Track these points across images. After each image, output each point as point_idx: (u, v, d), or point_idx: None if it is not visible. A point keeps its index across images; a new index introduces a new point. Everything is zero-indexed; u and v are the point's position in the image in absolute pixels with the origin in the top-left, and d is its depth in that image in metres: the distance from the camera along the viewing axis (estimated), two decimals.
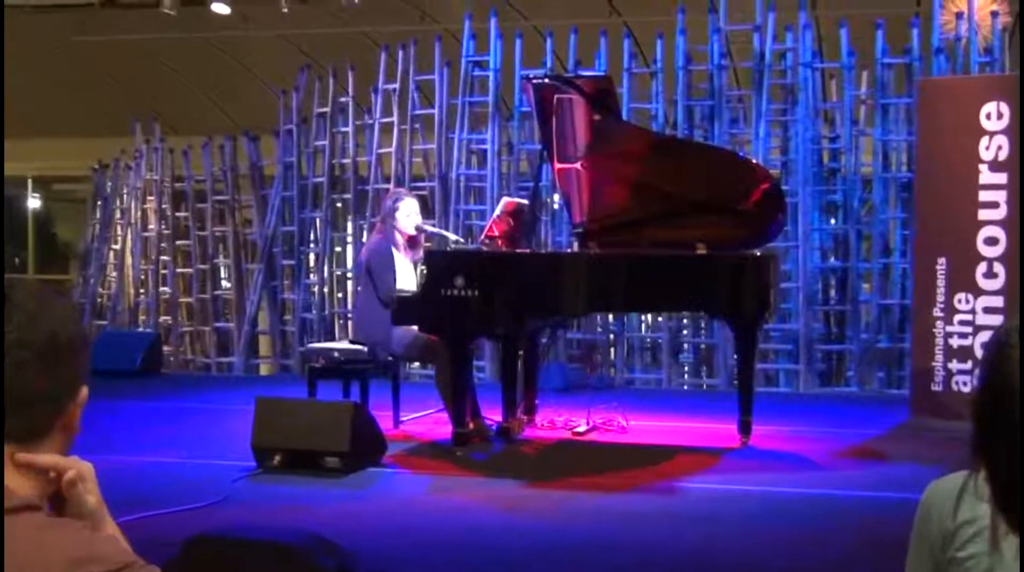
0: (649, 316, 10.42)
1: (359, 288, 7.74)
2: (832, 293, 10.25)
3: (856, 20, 10.06)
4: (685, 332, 10.33)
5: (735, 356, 7.07)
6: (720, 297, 6.83)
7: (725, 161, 7.84)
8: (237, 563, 4.13)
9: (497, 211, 7.52)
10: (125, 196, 12.09)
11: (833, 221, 10.21)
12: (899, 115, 9.92)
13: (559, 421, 7.59)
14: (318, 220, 11.24)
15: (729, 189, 7.08)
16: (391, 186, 10.02)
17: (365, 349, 7.11)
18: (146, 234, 11.90)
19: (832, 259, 10.24)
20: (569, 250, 7.56)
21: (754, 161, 8.32)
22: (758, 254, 6.93)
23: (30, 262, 16.11)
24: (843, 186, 10.05)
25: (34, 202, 16.41)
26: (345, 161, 11.17)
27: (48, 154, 14.11)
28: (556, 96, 7.21)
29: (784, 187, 8.72)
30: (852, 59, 9.99)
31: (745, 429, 6.83)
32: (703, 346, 10.28)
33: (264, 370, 11.19)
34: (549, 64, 10.44)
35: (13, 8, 12.68)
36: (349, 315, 10.43)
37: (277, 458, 6.18)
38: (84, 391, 1.64)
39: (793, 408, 8.50)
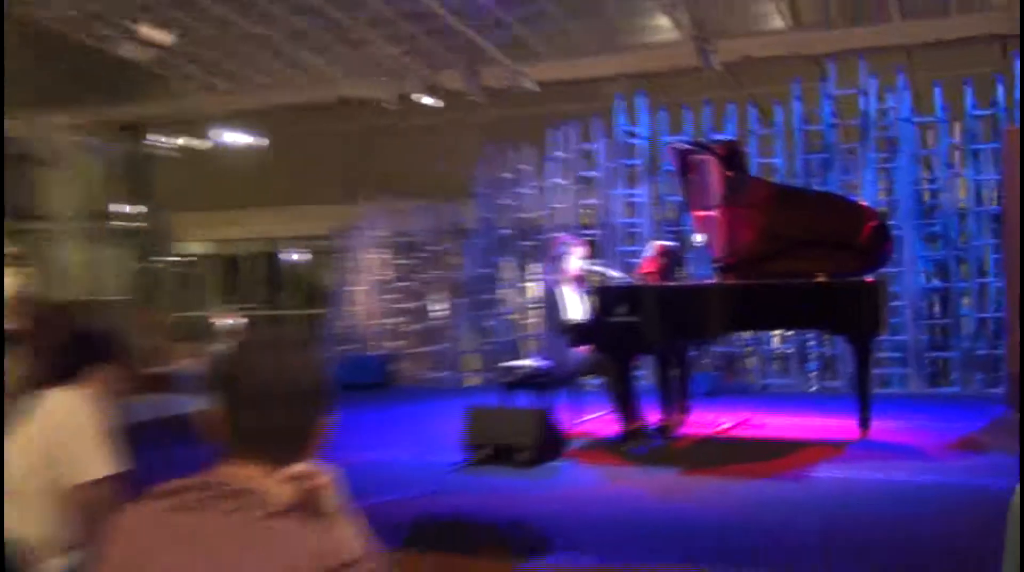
0: (779, 332, 10.18)
1: (544, 316, 7.75)
2: (936, 309, 9.85)
3: (948, 79, 9.78)
4: (811, 343, 10.01)
5: (854, 364, 6.80)
6: (839, 317, 6.62)
7: (838, 204, 7.67)
8: (453, 541, 4.17)
9: (649, 252, 7.49)
10: (360, 248, 12.43)
11: (934, 249, 9.83)
12: (988, 158, 9.55)
13: (707, 420, 7.51)
14: (508, 264, 11.37)
15: (843, 227, 6.91)
16: (564, 235, 10.05)
17: (549, 365, 7.13)
18: (377, 277, 12.21)
19: (935, 281, 9.83)
20: (710, 281, 7.40)
21: (863, 202, 8.05)
22: (870, 280, 6.70)
23: (295, 304, 16.66)
24: (942, 219, 9.68)
25: (299, 256, 16.97)
26: (527, 215, 11.29)
27: (310, 218, 14.61)
28: (694, 158, 7.17)
29: (890, 223, 8.43)
30: (945, 113, 9.68)
31: (864, 425, 6.61)
32: (826, 355, 9.94)
33: (470, 382, 11.29)
34: (688, 131, 10.34)
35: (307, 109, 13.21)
36: (534, 338, 10.47)
37: (482, 453, 6.25)
38: (328, 419, 1.67)
39: (904, 407, 8.17)
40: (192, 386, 10.80)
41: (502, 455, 6.19)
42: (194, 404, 9.02)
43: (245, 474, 1.59)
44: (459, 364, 11.50)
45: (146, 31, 10.14)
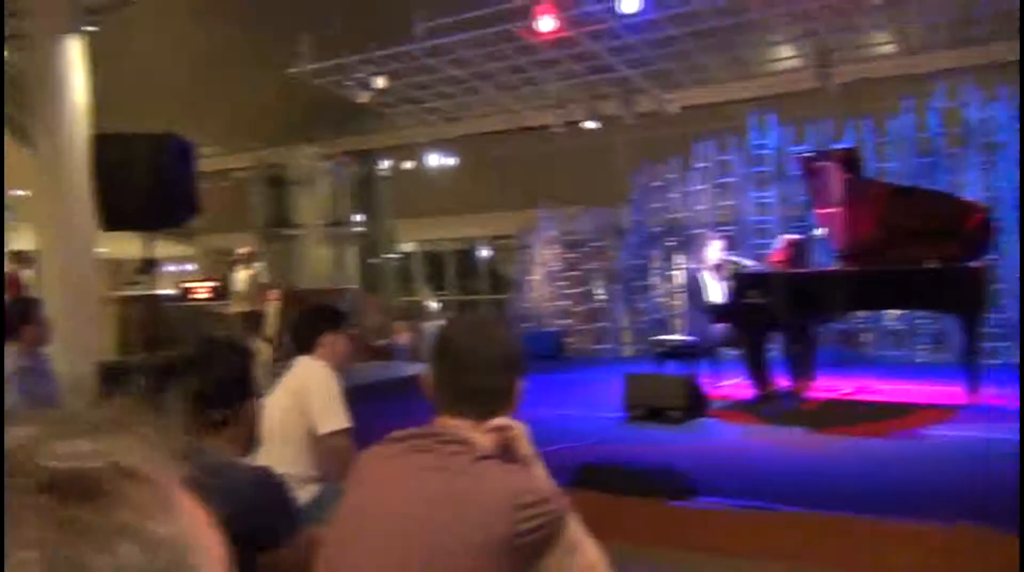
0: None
1: (687, 298, 7.59)
2: None
3: None
4: (920, 320, 9.41)
5: (963, 338, 6.35)
6: (948, 298, 6.20)
7: (946, 200, 7.17)
8: (615, 483, 4.15)
9: (779, 244, 7.22)
10: (537, 245, 12.50)
11: None
12: None
13: (830, 386, 7.17)
14: (657, 256, 11.22)
15: (950, 219, 6.47)
16: (705, 231, 9.84)
17: (694, 339, 6.99)
18: (550, 268, 12.26)
19: None
20: (833, 268, 7.07)
21: (968, 198, 7.51)
22: (976, 265, 6.24)
23: (485, 291, 16.92)
24: None
25: (488, 251, 17.20)
26: (673, 216, 11.09)
27: (497, 221, 14.81)
28: (817, 164, 6.88)
29: (994, 215, 7.80)
30: None
31: (972, 391, 6.17)
32: (936, 330, 9.31)
33: (625, 353, 11.18)
34: (811, 142, 9.89)
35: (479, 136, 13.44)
36: (679, 317, 10.28)
37: (638, 412, 6.19)
38: (523, 383, 1.68)
39: (1009, 376, 7.57)
40: (407, 355, 11.18)
41: (655, 414, 6.12)
42: (409, 370, 9.34)
43: (455, 425, 1.62)
44: (618, 338, 11.42)
45: (374, 80, 10.54)
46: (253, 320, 11.10)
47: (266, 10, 10.96)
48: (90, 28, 9.41)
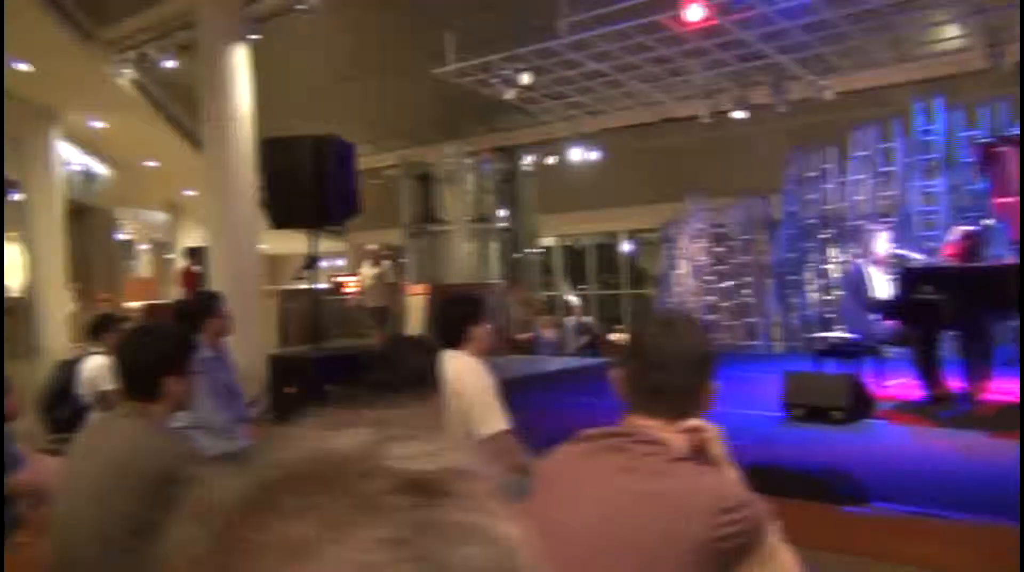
0: None
1: (848, 294, 7.24)
2: None
3: None
4: None
5: None
6: None
7: None
8: (781, 486, 4.00)
9: (953, 236, 6.76)
10: (682, 239, 12.29)
11: None
12: None
13: (1009, 388, 6.66)
14: (812, 249, 10.77)
15: None
16: (866, 224, 9.37)
17: (857, 335, 6.67)
18: (696, 262, 12.01)
19: None
20: (1011, 262, 6.56)
21: None
22: None
23: (625, 285, 16.77)
24: None
25: (627, 246, 17.05)
26: (830, 207, 10.62)
27: (640, 215, 14.68)
28: (995, 150, 6.40)
29: None
30: None
31: None
32: None
33: (777, 350, 10.82)
34: (985, 127, 9.23)
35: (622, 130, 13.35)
36: (837, 313, 9.84)
37: (798, 411, 5.96)
38: (715, 383, 1.64)
39: None
40: (552, 350, 11.22)
41: (816, 414, 5.88)
42: (554, 365, 9.38)
43: (648, 425, 1.60)
44: (769, 334, 11.06)
45: (519, 76, 10.64)
46: (380, 315, 11.47)
47: (413, 13, 11.26)
48: (253, 36, 9.95)
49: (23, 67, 11.77)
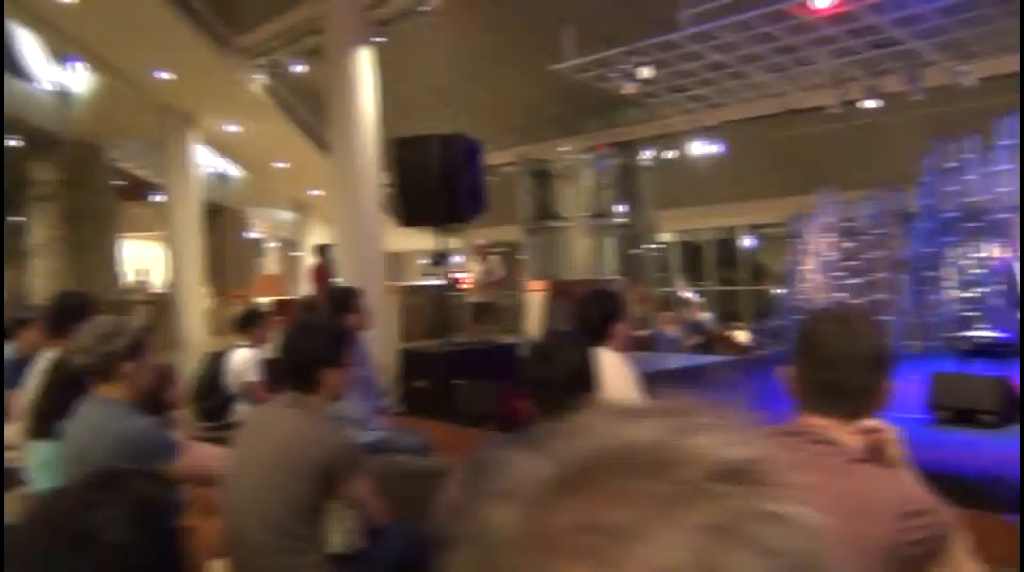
0: None
1: (996, 291, 6.83)
2: None
3: None
4: None
5: None
6: None
7: None
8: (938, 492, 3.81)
9: None
10: (809, 233, 11.90)
11: None
12: None
13: None
14: (951, 243, 10.22)
15: None
16: (1011, 217, 8.81)
17: (1008, 335, 6.29)
18: (824, 258, 11.61)
19: None
20: None
21: None
22: None
23: (745, 281, 16.39)
24: None
25: (749, 241, 16.65)
26: (971, 199, 10.03)
27: (762, 209, 14.33)
28: None
29: None
30: None
31: None
32: None
33: (915, 349, 10.33)
34: None
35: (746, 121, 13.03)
36: (975, 311, 9.30)
37: (945, 414, 5.68)
38: (891, 382, 1.59)
39: None
40: (672, 346, 11.07)
41: (965, 417, 5.57)
42: (674, 362, 9.24)
43: (821, 425, 1.56)
44: (905, 333, 10.57)
45: (639, 70, 10.54)
46: (481, 311, 11.54)
47: (532, 10, 11.30)
48: (378, 39, 10.21)
49: (165, 76, 12.48)
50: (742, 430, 0.50)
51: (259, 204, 22.32)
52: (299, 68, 11.87)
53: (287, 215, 23.84)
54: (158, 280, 19.57)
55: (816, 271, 11.67)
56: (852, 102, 11.37)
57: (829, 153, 12.68)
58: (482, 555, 0.45)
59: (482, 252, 12.07)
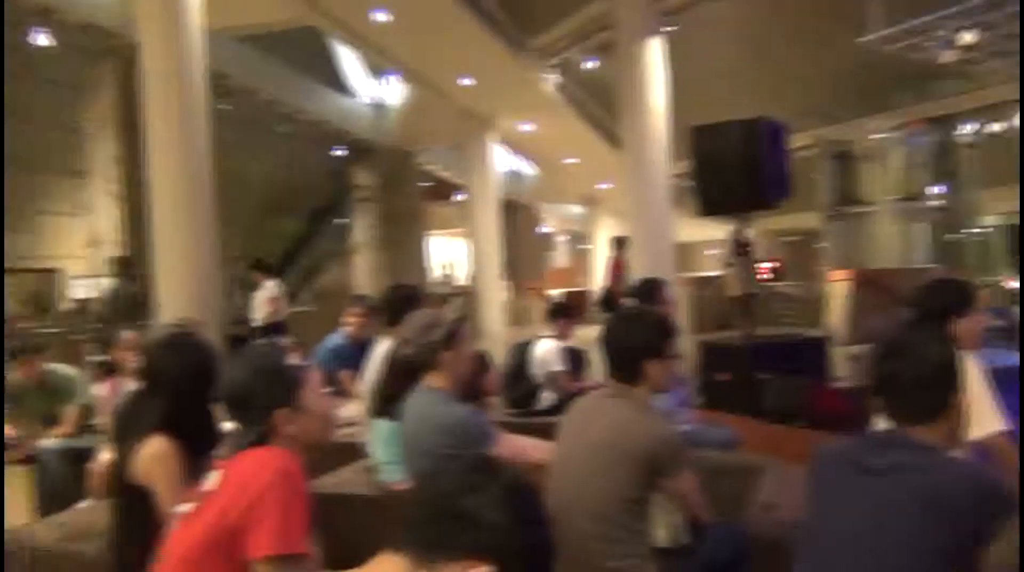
0: None
1: None
2: None
3: None
4: None
5: None
6: None
7: None
8: None
9: None
10: None
11: None
12: None
13: None
14: None
15: None
16: None
17: None
18: None
19: None
20: None
21: None
22: None
23: None
24: None
25: None
26: None
27: None
28: None
29: None
30: None
31: None
32: None
33: None
34: None
35: None
36: None
37: None
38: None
39: None
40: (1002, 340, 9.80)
41: None
42: (1005, 359, 8.17)
43: None
44: None
45: (959, 36, 9.48)
46: (740, 305, 10.78)
47: None
48: (668, 28, 10.09)
49: (467, 82, 13.28)
50: None
51: (550, 200, 23.11)
52: (590, 64, 12.07)
53: (576, 209, 24.45)
54: (461, 274, 20.97)
55: None
56: None
57: None
58: None
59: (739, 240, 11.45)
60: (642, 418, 2.24)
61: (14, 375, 4.49)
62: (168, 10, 8.02)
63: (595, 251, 23.48)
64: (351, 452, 3.43)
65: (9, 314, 8.14)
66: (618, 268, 10.10)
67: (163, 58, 8.05)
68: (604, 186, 19.99)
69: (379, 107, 16.57)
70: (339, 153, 16.91)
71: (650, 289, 4.34)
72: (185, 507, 1.76)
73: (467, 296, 15.44)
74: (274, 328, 8.12)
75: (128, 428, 2.34)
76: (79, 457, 3.91)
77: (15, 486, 4.29)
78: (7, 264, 9.86)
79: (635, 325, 2.36)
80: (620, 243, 10.18)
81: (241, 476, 1.66)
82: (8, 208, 11.28)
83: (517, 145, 17.93)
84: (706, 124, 6.07)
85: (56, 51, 10.69)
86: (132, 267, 8.23)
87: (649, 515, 2.26)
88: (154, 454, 2.21)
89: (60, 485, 4.04)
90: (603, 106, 13.96)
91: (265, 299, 8.40)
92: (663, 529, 2.40)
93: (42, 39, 10.25)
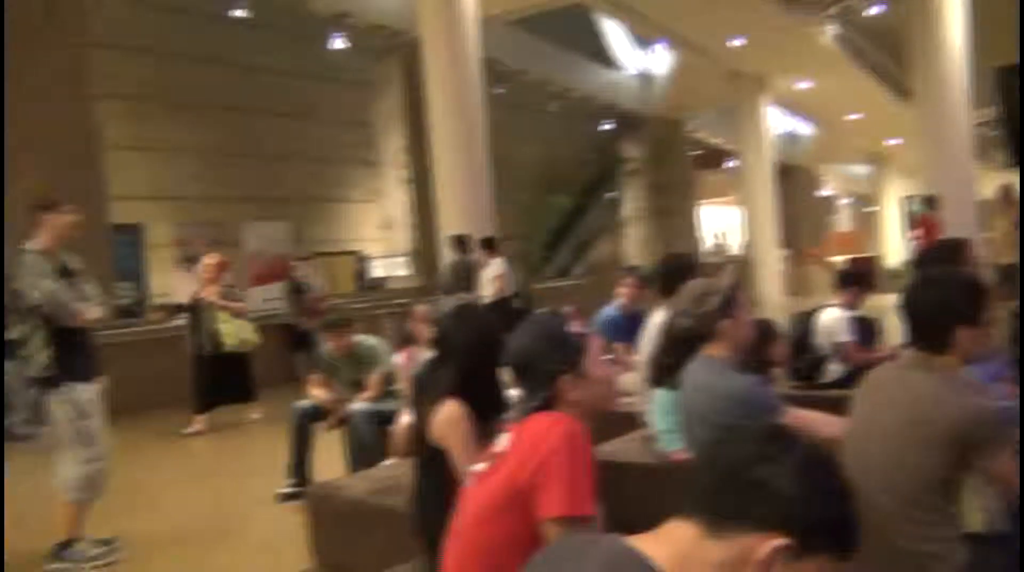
0: None
1: None
2: None
3: None
4: None
5: None
6: None
7: None
8: None
9: None
10: None
11: None
12: None
13: None
14: None
15: None
16: None
17: None
18: None
19: None
20: None
21: None
22: None
23: None
24: None
25: None
26: None
27: None
28: None
29: None
30: None
31: None
32: None
33: None
34: None
35: None
36: None
37: None
38: None
39: None
40: None
41: None
42: None
43: None
44: None
45: None
46: (1005, 275, 9.05)
47: None
48: None
49: (737, 43, 12.77)
50: None
51: (830, 160, 21.68)
52: (874, 10, 11.11)
53: (860, 169, 22.75)
54: (734, 243, 20.32)
55: None
56: None
57: None
58: None
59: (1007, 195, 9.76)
60: (950, 391, 2.02)
61: (327, 346, 4.99)
62: (447, 3, 8.51)
63: (883, 214, 21.73)
64: (628, 422, 3.46)
65: (319, 292, 9.06)
66: (931, 228, 9.21)
67: (443, 50, 8.57)
68: (892, 142, 18.38)
69: (645, 77, 16.45)
70: (607, 127, 17.03)
71: (955, 249, 3.91)
72: (479, 467, 1.86)
73: (742, 265, 14.96)
74: (500, 305, 8.33)
75: (424, 393, 2.53)
76: (383, 419, 4.30)
77: (331, 445, 4.81)
78: (312, 249, 11.01)
79: (944, 288, 2.14)
80: (931, 202, 9.25)
81: (531, 438, 1.73)
82: (311, 198, 12.63)
83: (792, 105, 17.02)
84: (1015, 64, 5.35)
85: (349, 53, 11.75)
86: (466, 242, 8.78)
87: (959, 497, 2.05)
88: (447, 417, 2.36)
89: (368, 444, 4.44)
90: (890, 54, 12.82)
91: (492, 277, 8.61)
92: (975, 513, 2.17)
93: (338, 43, 11.31)
